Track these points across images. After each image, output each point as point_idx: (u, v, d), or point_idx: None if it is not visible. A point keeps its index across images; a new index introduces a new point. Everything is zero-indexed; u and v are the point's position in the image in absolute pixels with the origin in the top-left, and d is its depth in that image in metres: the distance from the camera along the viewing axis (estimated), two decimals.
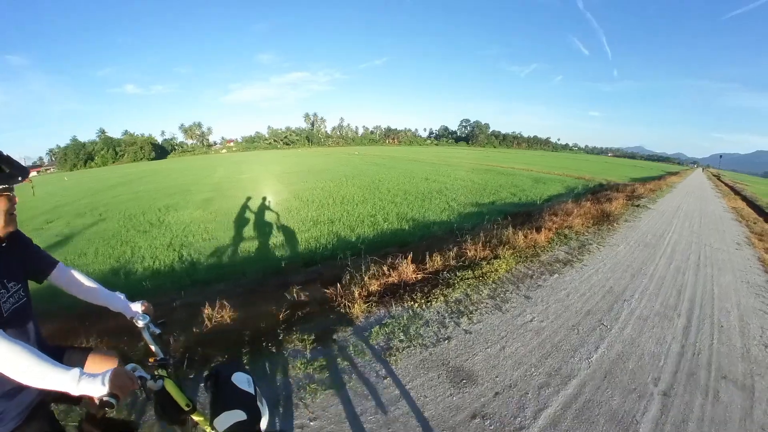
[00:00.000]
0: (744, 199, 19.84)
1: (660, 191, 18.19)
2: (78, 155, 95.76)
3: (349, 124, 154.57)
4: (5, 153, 1.27)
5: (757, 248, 8.03)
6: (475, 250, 6.00)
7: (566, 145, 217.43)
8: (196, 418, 1.51)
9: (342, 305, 4.20)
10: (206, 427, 1.51)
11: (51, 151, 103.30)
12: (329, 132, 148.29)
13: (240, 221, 10.95)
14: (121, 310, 1.70)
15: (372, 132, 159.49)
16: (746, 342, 3.80)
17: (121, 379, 1.16)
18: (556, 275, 5.30)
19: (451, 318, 4.04)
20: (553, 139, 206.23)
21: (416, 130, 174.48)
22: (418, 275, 5.30)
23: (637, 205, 12.35)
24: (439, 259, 5.71)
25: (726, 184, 34.20)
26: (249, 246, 8.56)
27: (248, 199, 14.59)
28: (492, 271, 5.25)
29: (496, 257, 5.79)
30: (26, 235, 1.53)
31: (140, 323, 1.62)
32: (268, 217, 11.44)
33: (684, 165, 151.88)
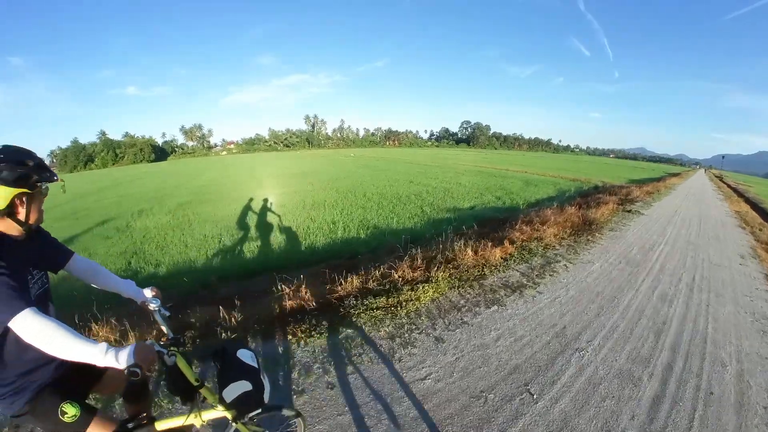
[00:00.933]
0: (747, 201, 18.39)
1: (657, 194, 16.76)
2: (78, 157, 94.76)
3: (349, 126, 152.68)
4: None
5: (763, 262, 6.69)
6: (404, 270, 4.73)
7: (568, 146, 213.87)
8: (204, 393, 1.59)
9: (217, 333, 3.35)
10: (214, 402, 1.61)
11: (52, 152, 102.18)
12: (330, 134, 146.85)
13: (199, 228, 10.12)
14: (132, 296, 1.77)
15: (373, 134, 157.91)
16: (744, 420, 2.52)
17: (144, 352, 1.28)
18: (495, 307, 3.99)
19: (322, 363, 2.84)
20: (555, 141, 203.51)
21: (417, 131, 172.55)
22: (320, 300, 4.09)
23: (629, 211, 10.97)
24: (356, 280, 4.48)
25: (728, 186, 32.63)
26: (195, 255, 7.75)
27: (220, 204, 13.96)
28: (413, 299, 3.99)
29: (427, 280, 4.53)
30: (44, 229, 1.60)
31: (152, 306, 1.70)
32: (228, 224, 10.53)
33: (686, 166, 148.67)
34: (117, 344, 1.96)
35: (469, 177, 23.83)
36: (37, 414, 1.43)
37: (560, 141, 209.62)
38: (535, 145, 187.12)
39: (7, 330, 1.22)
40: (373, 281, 4.57)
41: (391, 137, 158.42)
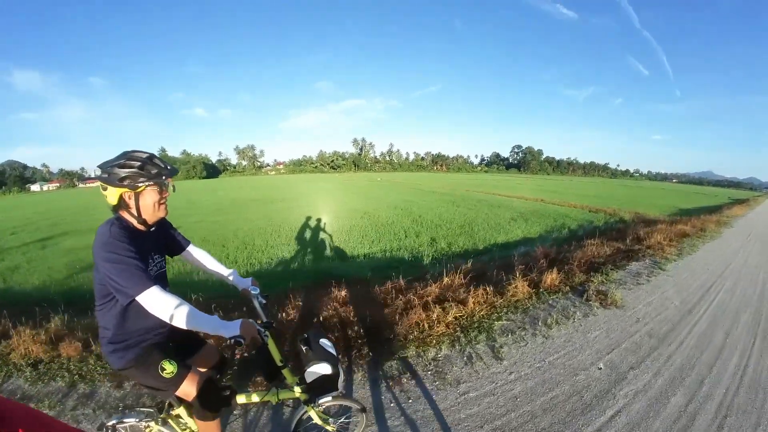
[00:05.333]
0: None
1: (696, 238, 9.94)
2: None
3: (398, 150, 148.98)
4: (157, 155, 1.60)
5: None
6: None
7: (626, 171, 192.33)
8: (285, 373, 1.78)
9: None
10: (292, 383, 1.79)
11: None
12: (377, 157, 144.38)
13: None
14: (236, 284, 1.93)
15: (422, 158, 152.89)
16: None
17: (248, 328, 1.46)
18: None
19: None
20: (612, 165, 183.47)
21: (468, 156, 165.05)
22: None
23: (587, 300, 5.03)
24: None
25: None
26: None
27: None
28: None
29: None
30: (167, 220, 1.77)
31: (252, 293, 1.87)
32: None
33: (756, 191, 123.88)
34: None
35: (450, 207, 18.16)
36: (140, 368, 1.56)
37: (618, 165, 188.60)
38: (591, 169, 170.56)
39: (132, 301, 1.36)
40: None
41: (438, 162, 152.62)
